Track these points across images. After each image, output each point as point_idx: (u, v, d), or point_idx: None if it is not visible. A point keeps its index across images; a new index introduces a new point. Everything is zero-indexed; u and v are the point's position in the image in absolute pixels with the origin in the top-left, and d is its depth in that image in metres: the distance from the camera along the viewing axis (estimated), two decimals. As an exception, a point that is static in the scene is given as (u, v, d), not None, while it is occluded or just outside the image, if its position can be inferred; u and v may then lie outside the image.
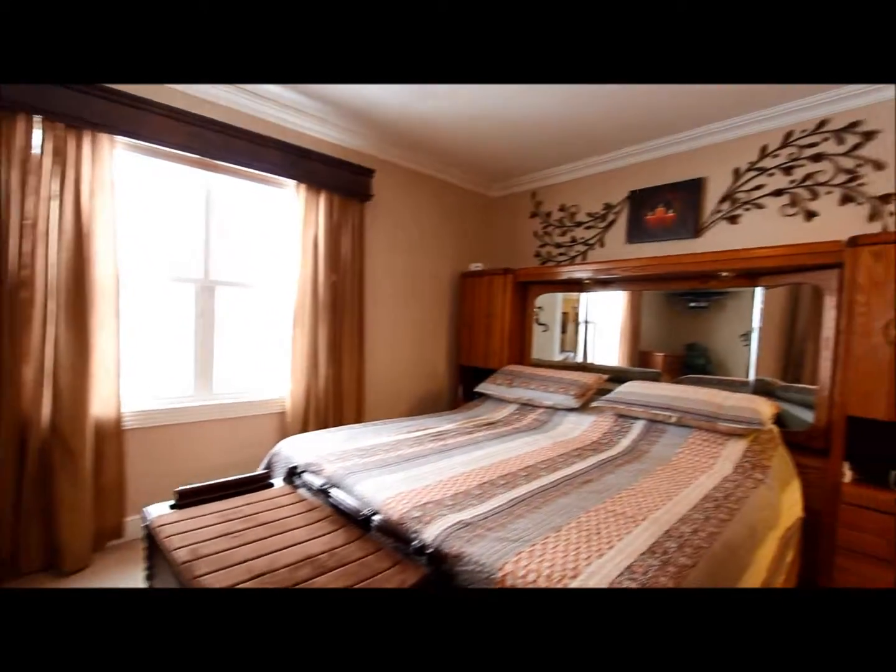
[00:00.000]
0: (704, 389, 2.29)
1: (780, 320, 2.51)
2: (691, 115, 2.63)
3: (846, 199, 2.33)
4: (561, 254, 3.59)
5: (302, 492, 1.68)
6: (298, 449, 1.98)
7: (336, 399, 2.99)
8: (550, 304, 3.54)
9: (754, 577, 1.29)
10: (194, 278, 2.53)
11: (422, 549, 1.17)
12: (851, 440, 2.15)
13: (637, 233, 3.11)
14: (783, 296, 2.47)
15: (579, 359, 3.39)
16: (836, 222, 2.34)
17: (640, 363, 3.10)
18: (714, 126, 2.72)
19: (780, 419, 2.36)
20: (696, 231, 2.84)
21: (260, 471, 1.98)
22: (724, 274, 2.54)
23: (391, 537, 1.30)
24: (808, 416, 2.24)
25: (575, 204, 3.51)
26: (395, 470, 1.72)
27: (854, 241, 1.95)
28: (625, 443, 2.21)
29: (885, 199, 2.22)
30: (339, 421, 2.97)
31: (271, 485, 1.75)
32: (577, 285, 3.33)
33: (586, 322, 3.35)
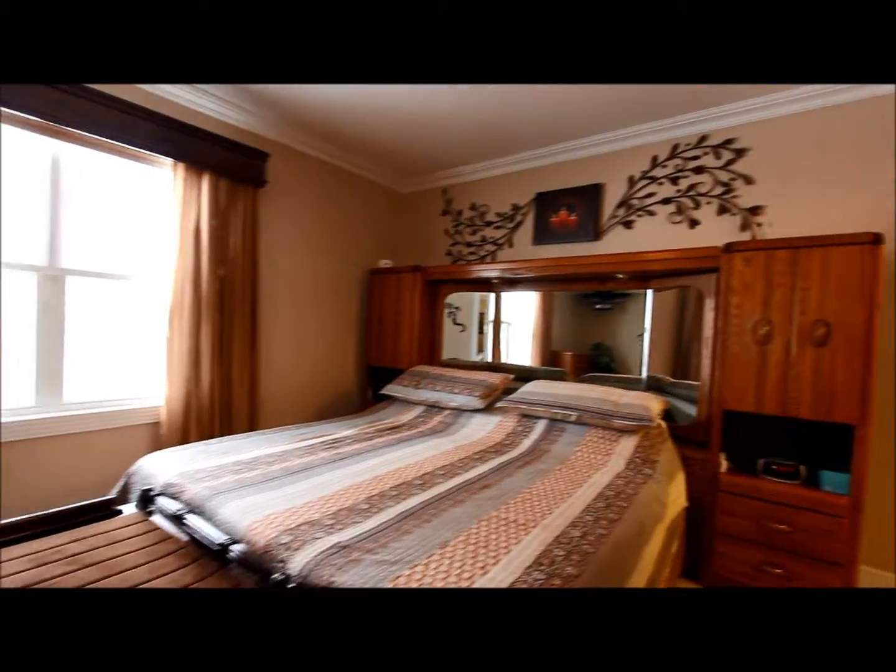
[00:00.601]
0: (602, 388, 2.35)
1: (670, 321, 2.66)
2: (592, 121, 2.70)
3: (723, 210, 2.52)
4: (471, 253, 3.56)
5: (157, 519, 1.42)
6: (162, 466, 1.70)
7: (224, 406, 2.67)
8: (468, 304, 3.50)
9: (640, 574, 1.29)
10: (35, 265, 2.10)
11: (284, 582, 1.01)
12: (729, 432, 2.32)
13: (543, 234, 3.16)
14: (672, 298, 2.62)
15: (489, 359, 3.37)
16: (715, 231, 2.52)
17: (552, 363, 3.16)
18: (611, 134, 2.83)
19: (668, 414, 2.49)
20: (596, 234, 2.94)
21: (111, 495, 1.67)
22: (620, 276, 2.64)
23: (254, 570, 1.11)
24: (693, 410, 2.38)
25: (485, 203, 3.50)
26: (276, 486, 1.52)
27: (729, 248, 2.10)
28: (527, 443, 2.19)
29: (754, 210, 2.43)
30: (227, 430, 2.66)
31: (119, 512, 1.46)
32: (487, 285, 3.31)
33: (496, 322, 3.34)
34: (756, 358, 2.01)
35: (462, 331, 3.54)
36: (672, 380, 2.62)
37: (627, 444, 2.02)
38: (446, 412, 2.66)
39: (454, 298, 3.45)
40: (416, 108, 2.61)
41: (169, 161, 2.43)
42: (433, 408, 2.74)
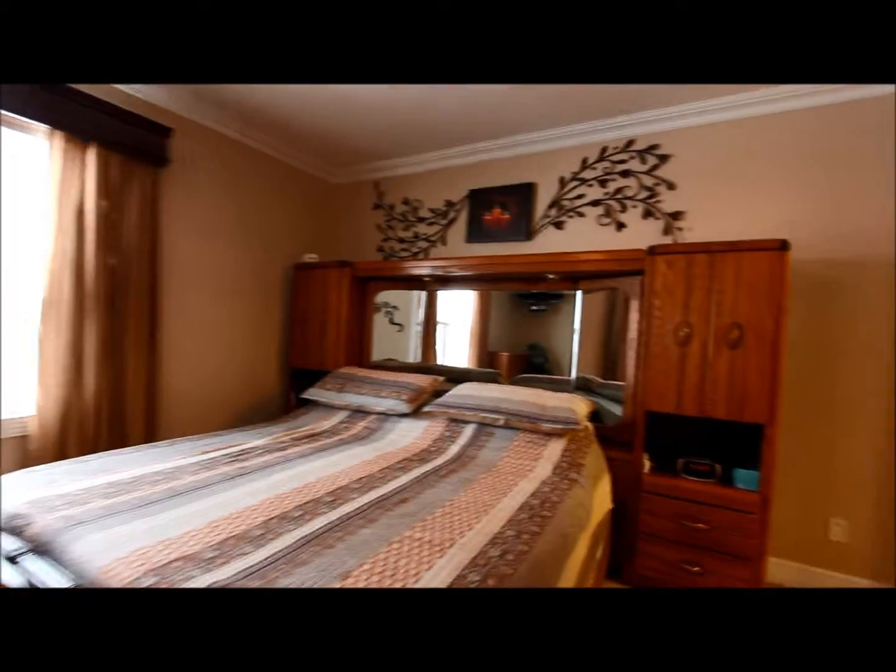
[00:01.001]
0: (530, 390, 2.30)
1: (600, 322, 2.67)
2: (525, 119, 2.66)
3: (647, 214, 2.57)
4: (404, 249, 3.42)
5: (-8, 561, 1.15)
6: (13, 491, 1.40)
7: (114, 415, 2.34)
8: (406, 304, 3.34)
9: (563, 586, 1.21)
10: None
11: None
12: (653, 432, 2.36)
13: (476, 232, 3.09)
14: (602, 300, 2.64)
15: (421, 360, 3.25)
16: (640, 234, 2.57)
17: (489, 364, 3.09)
18: (543, 134, 2.80)
19: (596, 415, 2.50)
20: (529, 234, 2.91)
21: (-60, 530, 1.35)
22: (551, 276, 2.61)
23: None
24: (620, 411, 2.40)
25: (418, 199, 3.37)
26: (155, 511, 1.29)
27: (652, 251, 2.12)
28: (454, 449, 2.09)
29: (676, 216, 2.49)
30: (118, 443, 2.32)
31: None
32: (419, 283, 3.18)
33: (429, 322, 3.23)
34: (677, 359, 2.04)
35: (399, 331, 3.39)
36: (601, 380, 2.64)
37: (555, 448, 1.97)
38: (371, 417, 2.50)
39: (393, 297, 3.29)
40: (346, 93, 2.43)
41: (43, 128, 2.07)
42: (358, 413, 2.57)
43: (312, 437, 2.26)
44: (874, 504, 2.11)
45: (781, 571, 2.25)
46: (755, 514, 1.89)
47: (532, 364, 2.94)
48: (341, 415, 2.59)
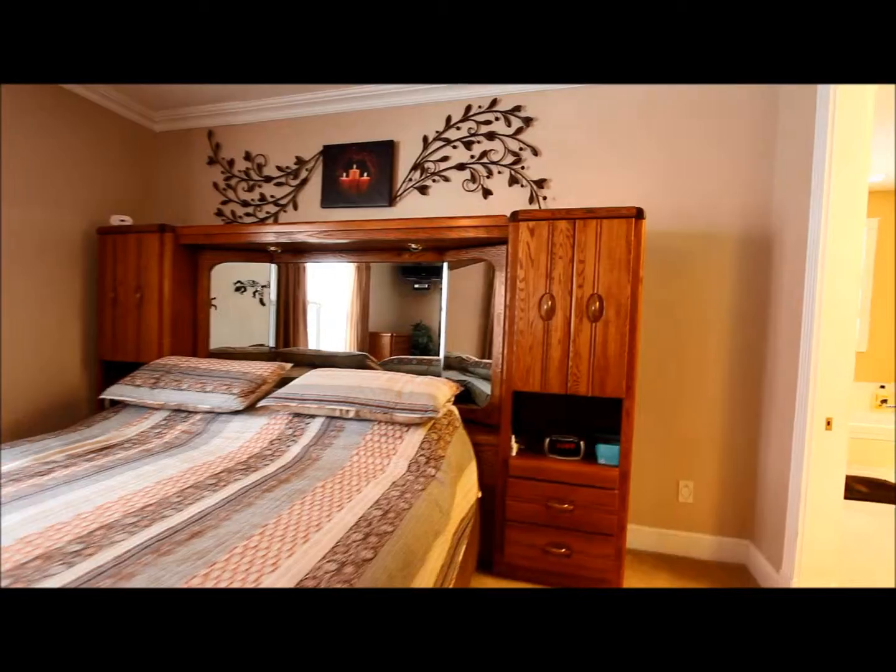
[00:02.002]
0: (389, 375, 2.01)
1: (476, 297, 2.47)
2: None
3: (513, 181, 2.41)
4: (248, 214, 2.88)
5: None
6: None
7: None
8: (262, 279, 2.79)
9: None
10: None
11: None
12: (523, 412, 2.24)
13: (332, 196, 2.68)
14: (478, 273, 2.43)
15: (276, 345, 2.78)
16: (507, 202, 2.40)
17: (370, 345, 2.75)
18: (404, 87, 2.48)
19: (470, 397, 2.32)
20: (391, 199, 2.59)
21: None
22: (413, 246, 2.34)
23: None
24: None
25: (262, 153, 2.84)
26: None
27: (515, 217, 1.94)
28: (295, 451, 1.72)
29: (541, 183, 2.37)
30: None
31: None
32: (265, 254, 2.69)
33: (291, 301, 2.76)
34: (541, 335, 1.91)
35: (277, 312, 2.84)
36: (476, 359, 2.46)
37: (412, 440, 1.72)
38: (196, 418, 2.01)
39: (259, 273, 2.73)
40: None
41: None
42: (179, 413, 2.06)
43: (104, 450, 1.72)
44: (716, 464, 2.24)
45: (640, 538, 2.32)
46: (615, 490, 1.86)
47: (417, 345, 2.67)
48: (156, 417, 2.05)
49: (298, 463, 1.62)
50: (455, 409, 2.05)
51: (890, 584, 2.13)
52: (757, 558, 2.11)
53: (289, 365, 2.31)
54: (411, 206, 2.56)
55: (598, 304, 1.83)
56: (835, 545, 1.79)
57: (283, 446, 1.75)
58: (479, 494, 2.00)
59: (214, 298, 2.73)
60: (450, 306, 2.49)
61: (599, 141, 2.30)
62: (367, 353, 2.74)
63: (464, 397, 2.40)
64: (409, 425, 1.77)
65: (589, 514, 1.88)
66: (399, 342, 2.78)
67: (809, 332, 1.76)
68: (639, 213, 1.81)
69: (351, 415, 1.80)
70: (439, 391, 1.85)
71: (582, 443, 1.99)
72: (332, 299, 2.78)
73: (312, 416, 1.89)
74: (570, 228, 1.86)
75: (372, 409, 1.77)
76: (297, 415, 1.91)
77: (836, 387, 1.72)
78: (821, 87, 1.76)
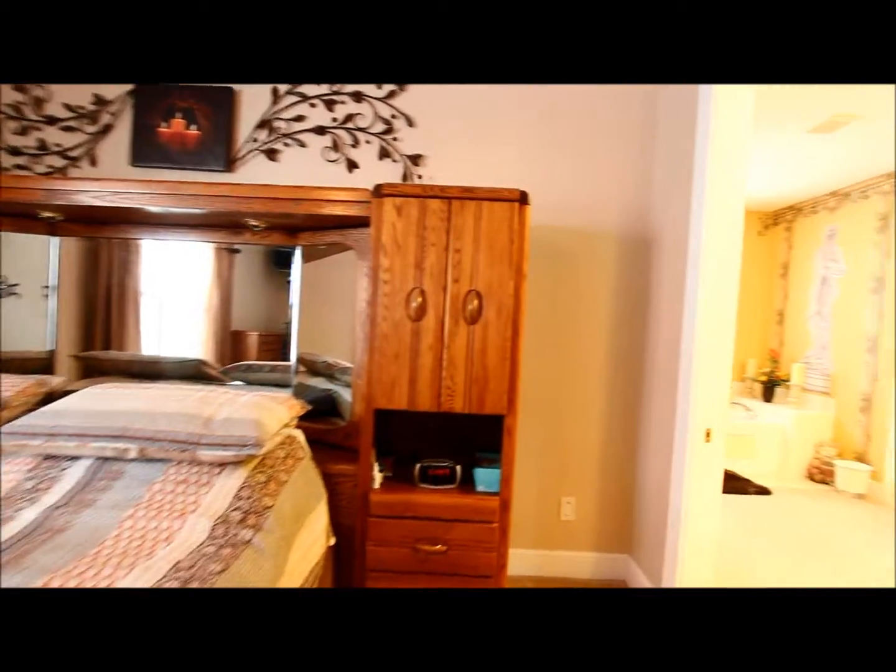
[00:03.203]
0: (201, 394, 1.48)
1: (348, 290, 2.01)
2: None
3: (384, 154, 2.01)
4: (20, 166, 2.07)
5: None
6: None
7: None
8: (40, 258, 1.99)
9: None
10: None
11: None
12: (390, 432, 1.86)
13: (148, 151, 2.03)
14: (350, 261, 1.98)
15: (56, 348, 2.02)
16: (376, 178, 1.99)
17: (233, 346, 2.13)
18: (248, 18, 1.94)
19: (338, 410, 1.88)
20: (229, 162, 2.03)
21: None
22: (254, 223, 1.82)
23: None
24: (357, 407, 1.82)
25: (41, 85, 2.06)
26: None
27: (378, 191, 1.55)
28: (29, 516, 1.12)
29: (416, 160, 2.01)
30: None
31: None
32: (39, 222, 1.94)
33: (116, 291, 2.02)
34: (410, 339, 1.54)
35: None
36: (346, 364, 2.00)
37: (224, 488, 1.23)
38: None
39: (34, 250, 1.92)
40: None
41: None
42: None
43: None
44: (597, 478, 2.10)
45: (520, 562, 2.09)
46: (495, 524, 1.57)
47: (289, 344, 2.14)
48: None
49: (25, 540, 1.03)
50: (299, 435, 1.60)
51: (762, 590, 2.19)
52: (636, 574, 2.01)
53: (58, 379, 1.64)
54: (256, 174, 2.03)
55: (476, 302, 1.52)
56: (712, 558, 1.71)
57: (10, 511, 1.14)
58: (333, 541, 1.58)
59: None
60: (311, 300, 2.02)
61: (484, 119, 2.02)
62: (205, 359, 2.14)
63: (328, 411, 1.96)
64: (222, 465, 1.27)
65: (465, 555, 1.57)
66: (269, 343, 2.23)
67: (690, 342, 1.64)
68: (523, 198, 1.53)
69: (132, 454, 1.24)
70: (270, 415, 1.38)
71: (458, 468, 1.68)
72: (181, 290, 2.11)
73: (75, 459, 1.28)
74: (445, 210, 1.52)
75: (164, 444, 1.24)
76: (51, 457, 1.29)
77: (714, 398, 1.63)
78: (702, 89, 1.66)
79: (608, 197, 2.03)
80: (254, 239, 1.94)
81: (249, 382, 2.18)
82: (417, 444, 1.93)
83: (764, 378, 4.55)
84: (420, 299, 1.52)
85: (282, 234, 1.92)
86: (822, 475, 3.89)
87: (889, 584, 2.28)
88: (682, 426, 1.67)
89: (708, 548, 1.70)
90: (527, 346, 2.02)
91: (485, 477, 1.65)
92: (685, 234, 1.73)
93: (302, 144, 2.03)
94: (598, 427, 2.08)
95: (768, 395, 4.52)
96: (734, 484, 3.53)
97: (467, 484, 1.69)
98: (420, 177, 2.00)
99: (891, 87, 2.30)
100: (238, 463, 1.28)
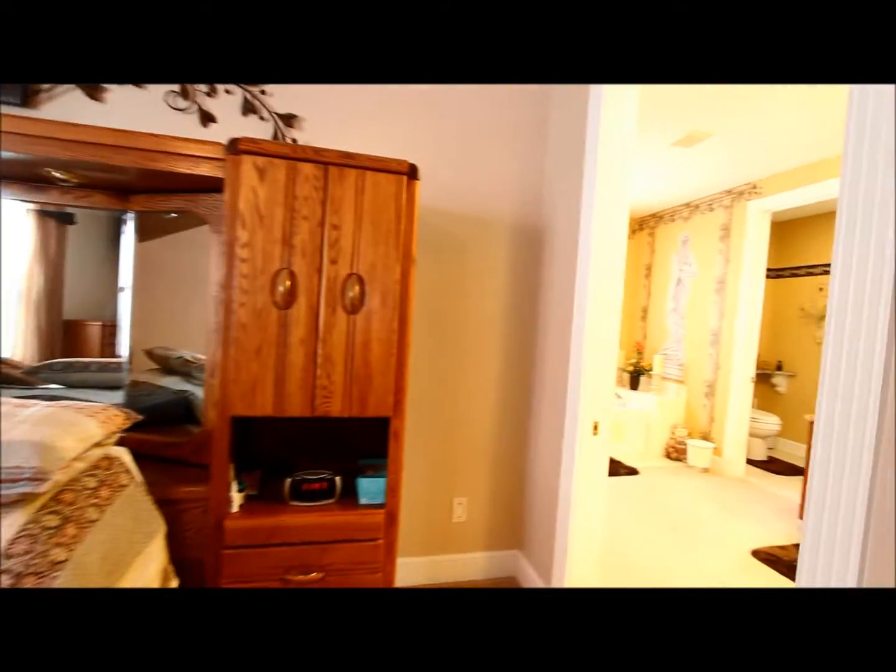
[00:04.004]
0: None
1: (203, 268, 1.64)
2: None
3: (249, 109, 1.68)
4: None
5: None
6: None
7: None
8: None
9: None
10: None
11: None
12: (264, 438, 1.57)
13: None
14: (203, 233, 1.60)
15: None
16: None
17: (65, 340, 1.61)
18: None
19: (195, 415, 1.52)
20: (27, 96, 1.53)
21: None
22: (60, 175, 1.38)
23: None
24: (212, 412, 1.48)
25: None
26: None
27: (235, 146, 1.25)
28: None
29: (290, 120, 1.72)
30: None
31: None
32: None
33: None
34: (276, 330, 1.28)
35: None
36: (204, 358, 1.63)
37: (4, 533, 0.86)
38: None
39: None
40: None
41: None
42: None
43: None
44: (489, 476, 2.02)
45: (410, 572, 1.94)
46: (380, 540, 1.38)
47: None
48: None
49: None
50: (123, 455, 1.23)
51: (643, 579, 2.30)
52: (526, 569, 1.98)
53: None
54: (69, 114, 1.56)
55: (358, 288, 1.31)
56: (599, 548, 1.73)
57: None
58: (175, 584, 1.26)
59: None
60: (158, 282, 1.62)
61: (373, 90, 1.79)
62: (4, 357, 1.62)
63: (182, 417, 1.60)
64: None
65: (346, 580, 1.36)
66: (113, 333, 1.74)
67: (580, 336, 1.62)
68: (412, 172, 1.36)
69: None
70: (65, 434, 1.01)
71: (338, 479, 1.46)
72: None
73: None
74: (320, 177, 1.28)
75: None
76: None
77: (601, 391, 1.63)
78: (592, 89, 1.64)
79: (500, 186, 1.95)
80: (66, 199, 1.49)
81: (71, 385, 1.72)
82: (292, 452, 1.67)
83: (631, 368, 5.01)
84: (289, 283, 1.26)
85: (107, 196, 1.50)
86: (676, 453, 4.39)
87: (737, 549, 2.59)
88: (571, 419, 1.65)
89: (595, 538, 1.72)
90: (416, 338, 1.86)
91: (369, 487, 1.45)
92: (575, 230, 1.72)
93: (138, 85, 1.60)
94: (490, 423, 2.01)
95: (634, 383, 5.00)
96: (609, 467, 3.80)
97: (350, 496, 1.47)
98: (294, 140, 1.71)
99: (741, 107, 2.58)
100: (15, 503, 0.91)
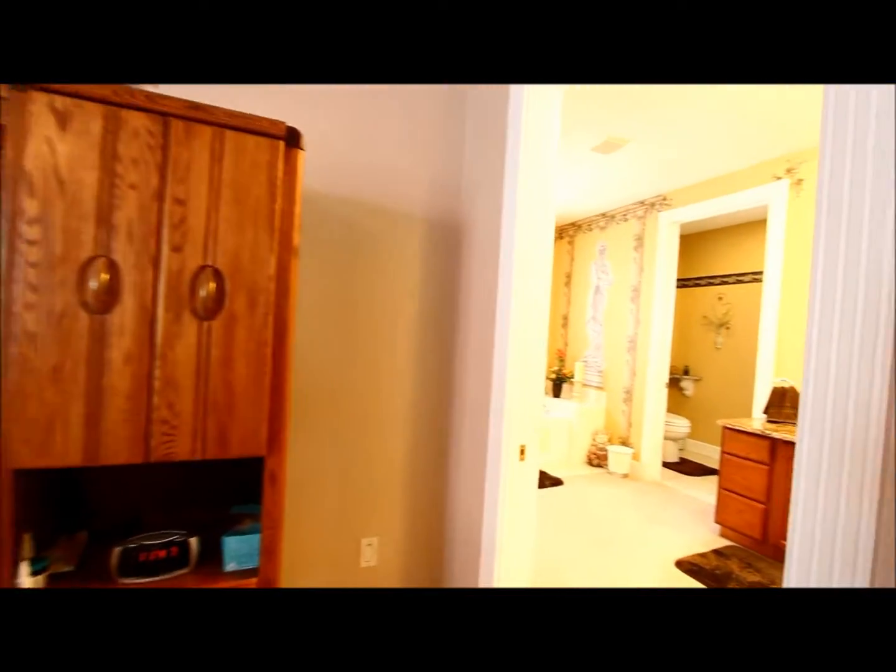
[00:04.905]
0: None
1: None
2: None
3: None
4: None
5: None
6: None
7: None
8: None
9: None
10: None
11: None
12: (104, 483, 1.16)
13: None
14: None
15: None
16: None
17: None
18: None
19: None
20: None
21: None
22: None
23: None
24: None
25: None
26: None
27: (21, 83, 0.87)
28: None
29: (140, 71, 1.33)
30: None
31: None
32: None
33: None
34: (87, 343, 0.90)
35: None
36: None
37: None
38: None
39: None
40: None
41: None
42: None
43: None
44: (403, 513, 1.74)
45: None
46: (249, 621, 1.04)
47: None
48: None
49: None
50: None
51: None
52: (446, 615, 1.71)
53: None
54: None
55: (214, 285, 0.98)
56: (529, 584, 1.52)
57: None
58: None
59: None
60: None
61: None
62: None
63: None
64: None
65: (199, 681, 1.00)
66: None
67: (503, 352, 1.41)
68: (292, 138, 1.06)
69: None
70: None
71: (193, 541, 1.09)
72: None
73: None
74: (158, 133, 0.93)
75: None
76: None
77: (529, 410, 1.42)
78: (513, 88, 1.46)
79: (413, 173, 1.70)
80: None
81: None
82: (141, 501, 1.26)
83: (553, 376, 5.01)
84: (106, 276, 0.90)
85: None
86: (598, 459, 4.41)
87: (662, 560, 2.53)
88: (494, 444, 1.43)
89: (524, 572, 1.50)
90: (306, 351, 1.54)
91: (237, 548, 1.10)
92: (497, 228, 1.51)
93: None
94: (403, 450, 1.73)
95: (557, 390, 5.00)
96: (534, 480, 3.68)
97: (215, 560, 1.12)
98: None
99: (657, 114, 2.57)
100: None
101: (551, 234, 1.47)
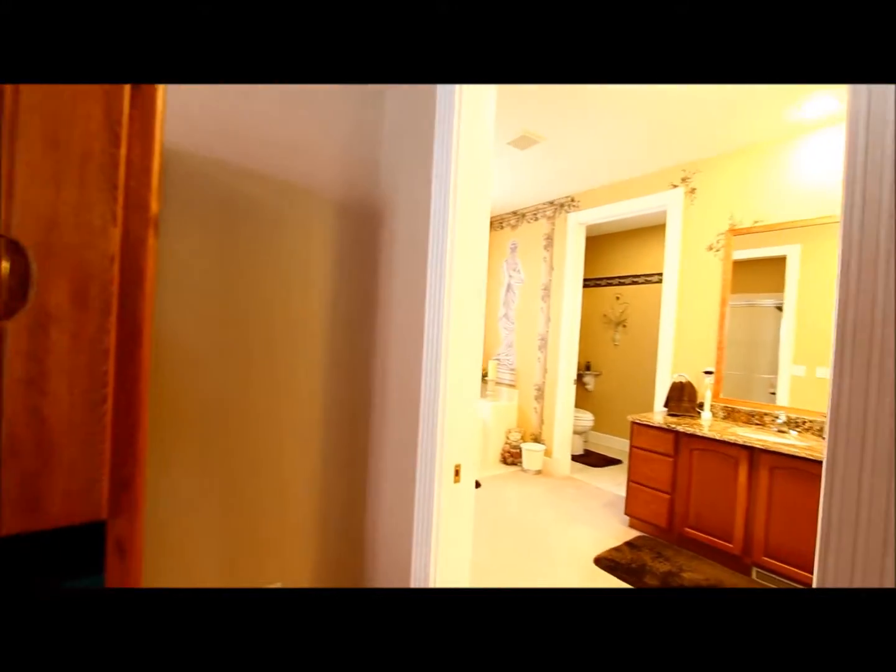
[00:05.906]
0: None
1: None
2: None
3: None
4: None
5: None
6: None
7: None
8: None
9: None
10: None
11: None
12: None
13: None
14: None
15: None
16: None
17: None
18: None
19: None
20: None
21: None
22: None
23: None
24: None
25: None
26: None
27: None
28: None
29: None
30: None
31: None
32: None
33: None
34: None
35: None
36: None
37: None
38: None
39: None
40: None
41: None
42: None
43: None
44: (313, 552, 1.45)
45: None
46: None
47: None
48: None
49: None
50: None
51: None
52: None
53: None
54: None
55: (7, 264, 0.63)
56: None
57: None
58: None
59: None
60: None
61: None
62: None
63: None
64: None
65: None
66: None
67: (436, 360, 1.20)
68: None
69: None
70: None
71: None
72: None
73: None
74: None
75: None
76: None
77: (462, 423, 1.24)
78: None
79: (321, 146, 1.43)
80: None
81: None
82: None
83: (467, 375, 4.95)
84: None
85: None
86: (512, 458, 4.42)
87: (582, 559, 2.52)
88: (425, 465, 1.22)
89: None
90: (183, 356, 1.20)
91: (65, 653, 0.76)
92: (426, 214, 1.30)
93: None
94: (314, 479, 1.45)
95: (471, 390, 4.94)
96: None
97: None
98: None
99: (570, 114, 2.55)
100: None
101: (486, 220, 1.30)
